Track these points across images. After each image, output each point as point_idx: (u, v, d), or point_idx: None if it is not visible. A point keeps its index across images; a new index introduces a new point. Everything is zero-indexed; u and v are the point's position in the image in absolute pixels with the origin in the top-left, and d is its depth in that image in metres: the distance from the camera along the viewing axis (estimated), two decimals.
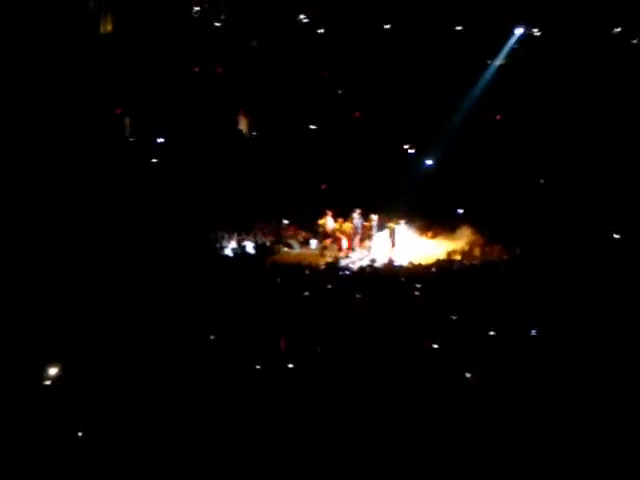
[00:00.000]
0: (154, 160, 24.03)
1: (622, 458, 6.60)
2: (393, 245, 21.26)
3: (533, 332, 11.54)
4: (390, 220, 21.65)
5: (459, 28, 25.95)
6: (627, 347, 9.55)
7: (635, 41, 25.45)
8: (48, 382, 9.83)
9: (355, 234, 21.71)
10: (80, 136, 22.13)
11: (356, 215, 21.88)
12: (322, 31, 26.91)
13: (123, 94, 24.36)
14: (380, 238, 21.75)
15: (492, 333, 11.95)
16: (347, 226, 21.63)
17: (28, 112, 21.19)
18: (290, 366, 10.42)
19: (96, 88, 23.26)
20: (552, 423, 7.40)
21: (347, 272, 18.50)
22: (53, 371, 10.15)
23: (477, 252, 20.45)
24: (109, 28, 25.41)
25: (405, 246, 21.45)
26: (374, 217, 21.88)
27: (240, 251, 20.94)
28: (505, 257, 19.61)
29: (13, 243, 16.43)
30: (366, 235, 22.05)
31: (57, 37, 22.31)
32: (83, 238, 17.63)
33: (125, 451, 7.57)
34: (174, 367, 10.47)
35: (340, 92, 25.99)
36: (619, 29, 25.17)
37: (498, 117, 24.99)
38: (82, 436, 7.82)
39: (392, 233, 21.38)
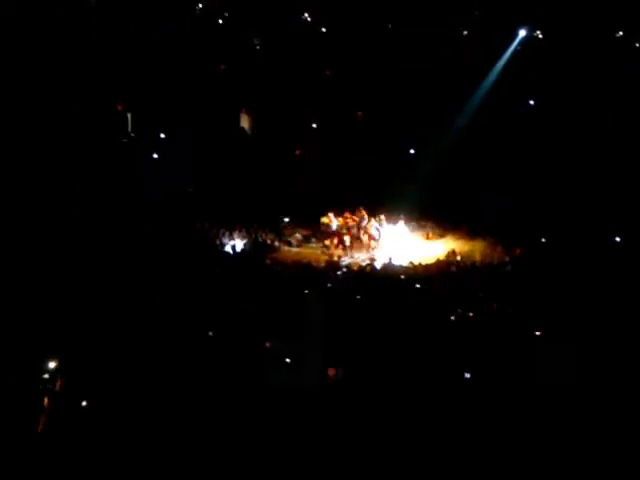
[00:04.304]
0: (156, 156, 24.04)
1: (621, 458, 6.61)
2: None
3: (533, 332, 11.55)
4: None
5: (463, 30, 26.05)
6: (626, 347, 9.57)
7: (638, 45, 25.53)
8: (47, 377, 9.81)
9: (357, 233, 21.72)
10: (82, 132, 22.16)
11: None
12: (325, 30, 26.96)
13: (125, 91, 24.37)
14: (383, 237, 21.75)
15: (492, 333, 11.95)
16: (351, 224, 21.60)
17: (29, 108, 21.20)
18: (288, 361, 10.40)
19: (98, 84, 23.28)
20: (551, 423, 7.41)
21: (347, 270, 18.49)
22: (52, 366, 10.15)
23: (477, 253, 20.45)
24: None
25: (405, 246, 21.47)
26: (382, 216, 21.87)
27: (240, 248, 20.92)
28: (505, 258, 19.60)
29: (14, 237, 16.43)
30: (368, 234, 22.03)
31: (59, 34, 22.31)
32: (84, 233, 17.65)
33: (124, 450, 7.56)
34: (174, 363, 10.47)
35: (343, 91, 26.00)
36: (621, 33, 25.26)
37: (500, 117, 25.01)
38: (82, 433, 7.79)
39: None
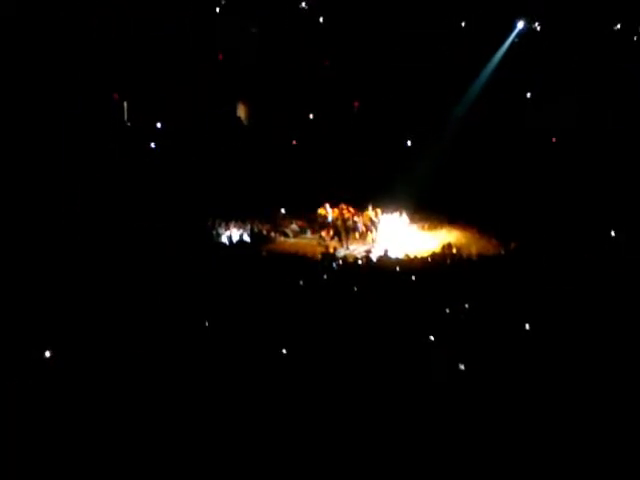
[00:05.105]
0: (152, 146, 23.98)
1: (621, 457, 6.64)
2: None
3: (528, 326, 11.58)
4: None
5: (460, 21, 25.97)
6: (623, 343, 9.60)
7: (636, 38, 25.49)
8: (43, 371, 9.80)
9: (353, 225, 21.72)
10: (79, 121, 22.08)
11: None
12: (323, 19, 26.85)
13: (121, 80, 24.26)
14: (379, 229, 21.77)
15: (487, 326, 11.97)
16: (347, 216, 21.59)
17: (26, 98, 21.12)
18: (284, 352, 10.39)
19: (96, 74, 23.17)
20: (546, 419, 7.44)
21: (343, 262, 18.48)
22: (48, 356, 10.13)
23: (473, 246, 20.47)
24: None
25: (401, 238, 21.48)
26: (378, 208, 21.88)
27: (236, 239, 20.91)
28: (501, 251, 19.63)
29: (11, 229, 16.39)
30: (364, 226, 22.04)
31: (56, 24, 22.20)
32: (80, 224, 17.63)
33: (122, 447, 7.54)
34: (170, 355, 10.46)
35: (340, 82, 25.94)
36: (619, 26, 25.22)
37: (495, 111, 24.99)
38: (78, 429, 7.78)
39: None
